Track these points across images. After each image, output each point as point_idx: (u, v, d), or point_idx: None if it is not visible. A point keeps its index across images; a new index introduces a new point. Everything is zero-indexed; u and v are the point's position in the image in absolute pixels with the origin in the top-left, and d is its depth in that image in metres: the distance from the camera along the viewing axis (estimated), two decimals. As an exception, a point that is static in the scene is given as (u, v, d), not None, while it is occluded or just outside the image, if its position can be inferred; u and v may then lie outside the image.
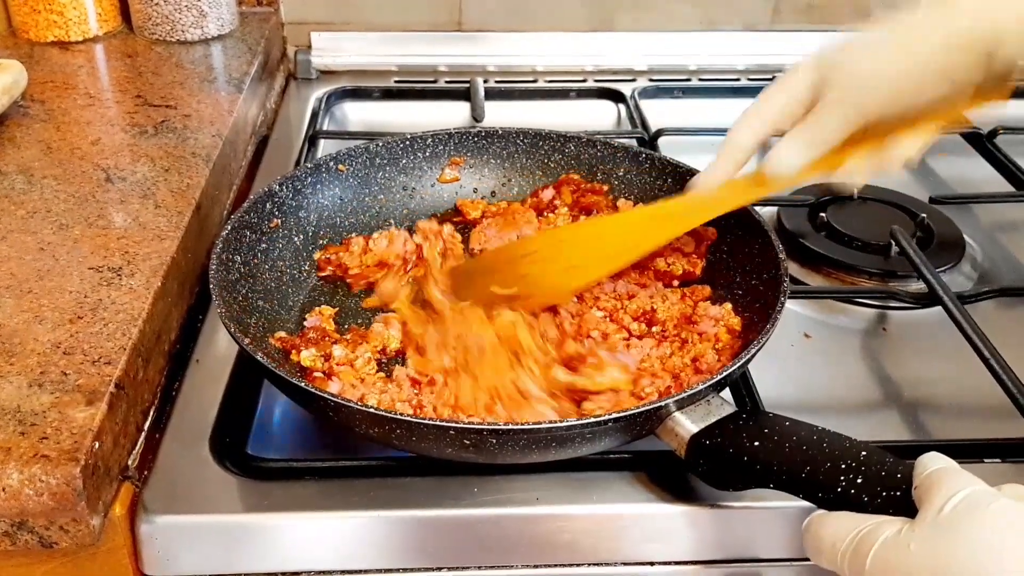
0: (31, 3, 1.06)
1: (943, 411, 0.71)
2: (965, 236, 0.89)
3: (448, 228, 0.82)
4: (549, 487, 0.61)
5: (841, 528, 0.47)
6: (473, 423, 0.57)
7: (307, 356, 0.66)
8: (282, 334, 0.69)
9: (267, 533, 0.59)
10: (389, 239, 0.79)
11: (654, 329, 0.71)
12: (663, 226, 0.72)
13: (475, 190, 0.87)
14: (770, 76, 1.19)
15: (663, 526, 0.61)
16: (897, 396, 0.73)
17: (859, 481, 0.49)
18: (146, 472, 0.61)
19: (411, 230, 0.82)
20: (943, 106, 0.63)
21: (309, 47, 1.22)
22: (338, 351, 0.67)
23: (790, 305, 0.80)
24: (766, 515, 0.60)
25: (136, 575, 0.60)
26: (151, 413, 0.66)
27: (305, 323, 0.72)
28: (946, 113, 0.64)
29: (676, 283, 0.76)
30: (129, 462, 0.61)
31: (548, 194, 0.84)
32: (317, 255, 0.79)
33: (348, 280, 0.77)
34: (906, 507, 0.47)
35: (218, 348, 0.73)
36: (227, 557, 0.60)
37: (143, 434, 0.64)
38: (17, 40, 1.10)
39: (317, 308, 0.73)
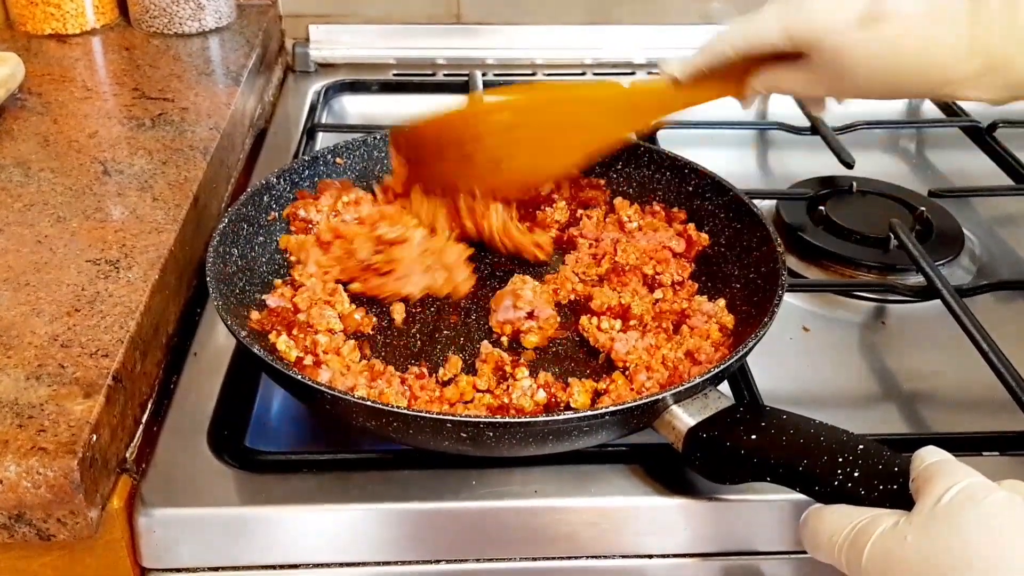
0: (28, -5, 1.06)
1: (942, 404, 0.71)
2: (964, 230, 0.89)
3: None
4: (547, 480, 0.61)
5: (838, 521, 0.47)
6: (470, 417, 0.57)
7: (283, 343, 0.65)
8: (257, 315, 0.68)
9: (265, 526, 0.59)
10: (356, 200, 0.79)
11: (631, 323, 0.71)
12: (633, 111, 0.72)
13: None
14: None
15: (661, 519, 0.61)
16: (896, 389, 0.73)
17: (856, 474, 0.49)
18: (144, 465, 0.61)
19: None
20: None
21: (307, 40, 1.22)
22: (323, 339, 0.66)
23: (789, 298, 0.80)
24: (764, 508, 0.60)
25: (134, 568, 0.60)
26: (149, 406, 0.66)
27: (268, 303, 0.70)
28: None
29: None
30: (127, 455, 0.61)
31: (547, 187, 0.84)
32: (285, 210, 0.77)
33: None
34: (903, 500, 0.47)
35: (216, 341, 0.73)
36: (225, 550, 0.60)
37: (141, 427, 0.64)
38: (14, 33, 1.09)
39: (275, 280, 0.73)
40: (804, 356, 0.76)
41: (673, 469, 0.61)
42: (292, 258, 0.75)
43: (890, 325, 0.80)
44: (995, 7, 0.57)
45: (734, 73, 0.66)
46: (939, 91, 0.60)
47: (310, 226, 0.77)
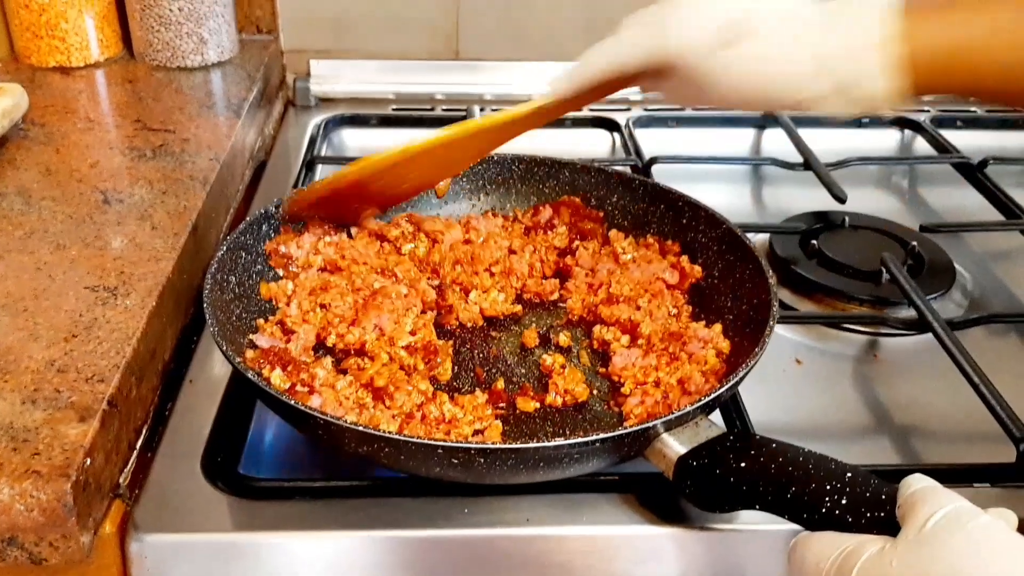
0: (33, 28, 1.08)
1: (933, 437, 0.72)
2: (956, 264, 0.90)
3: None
4: (540, 508, 0.61)
5: (825, 548, 0.48)
6: (460, 443, 0.57)
7: (277, 376, 0.65)
8: (252, 354, 0.68)
9: (258, 552, 0.59)
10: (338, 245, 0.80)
11: (639, 342, 0.72)
12: (512, 130, 0.76)
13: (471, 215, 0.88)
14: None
15: (653, 548, 0.61)
16: (887, 421, 0.73)
17: (844, 502, 0.49)
18: (137, 490, 0.62)
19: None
20: None
21: (308, 74, 1.23)
22: (321, 372, 0.67)
23: (781, 331, 0.81)
24: (755, 538, 0.61)
25: (125, 594, 0.61)
26: (143, 431, 0.66)
27: (257, 343, 0.69)
28: None
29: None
30: (120, 480, 0.61)
31: (547, 213, 0.85)
32: (267, 245, 0.77)
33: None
34: (890, 527, 0.47)
35: (212, 369, 0.73)
36: (217, 576, 0.60)
37: (135, 452, 0.64)
38: (19, 65, 1.11)
39: (260, 321, 0.72)
40: (796, 388, 0.76)
41: (665, 498, 0.62)
42: (277, 304, 0.75)
43: (882, 358, 0.80)
44: (840, 29, 0.59)
45: (604, 86, 0.68)
46: (794, 106, 0.62)
47: (289, 262, 0.77)
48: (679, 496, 0.60)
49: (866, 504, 0.48)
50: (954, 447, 0.70)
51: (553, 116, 0.73)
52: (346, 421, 0.56)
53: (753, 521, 0.60)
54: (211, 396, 0.70)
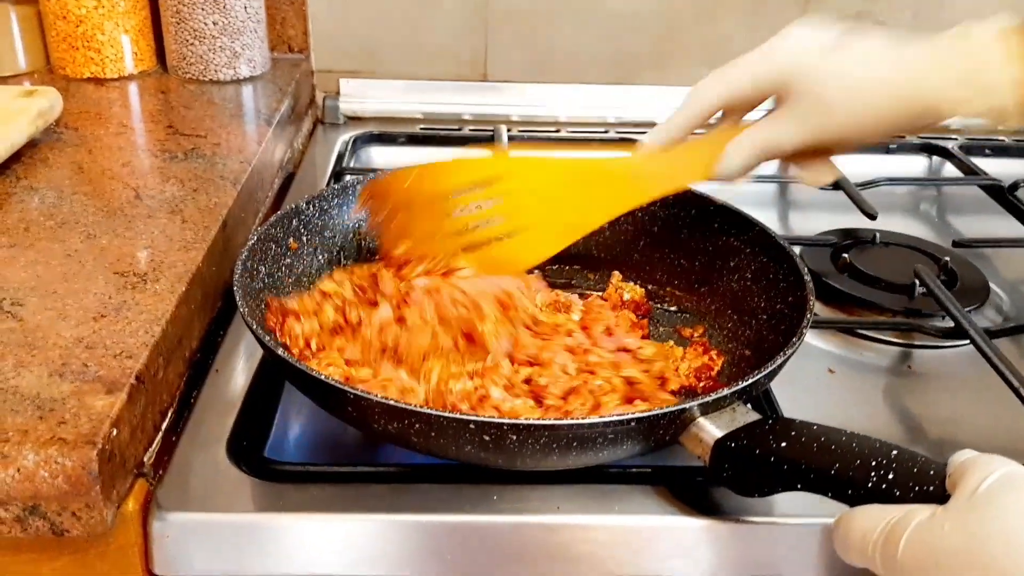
0: (69, 40, 1.09)
1: (969, 448, 0.70)
2: (990, 283, 0.88)
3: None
4: (570, 497, 0.60)
5: (872, 519, 0.46)
6: (493, 418, 0.56)
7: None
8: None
9: (281, 535, 0.58)
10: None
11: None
12: (617, 193, 0.70)
13: (498, 221, 0.87)
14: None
15: (685, 540, 0.59)
16: (922, 432, 0.71)
17: (890, 477, 0.47)
18: (161, 471, 0.61)
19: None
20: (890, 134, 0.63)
21: (338, 93, 1.24)
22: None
23: (814, 340, 0.80)
24: (791, 532, 0.59)
25: (146, 575, 0.59)
26: (169, 414, 0.65)
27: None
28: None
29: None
30: (145, 459, 0.60)
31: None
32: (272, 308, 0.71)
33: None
34: (940, 501, 0.45)
35: (238, 360, 0.73)
36: (239, 558, 0.58)
37: (160, 434, 0.63)
38: (54, 76, 1.12)
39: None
40: (829, 398, 0.75)
41: (699, 491, 0.60)
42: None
43: (916, 370, 0.79)
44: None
45: (716, 143, 0.66)
46: (924, 107, 0.59)
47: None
48: (715, 484, 0.58)
49: (914, 478, 0.47)
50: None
51: (656, 190, 0.70)
52: (376, 396, 0.55)
53: (788, 514, 0.59)
54: (237, 386, 0.70)
